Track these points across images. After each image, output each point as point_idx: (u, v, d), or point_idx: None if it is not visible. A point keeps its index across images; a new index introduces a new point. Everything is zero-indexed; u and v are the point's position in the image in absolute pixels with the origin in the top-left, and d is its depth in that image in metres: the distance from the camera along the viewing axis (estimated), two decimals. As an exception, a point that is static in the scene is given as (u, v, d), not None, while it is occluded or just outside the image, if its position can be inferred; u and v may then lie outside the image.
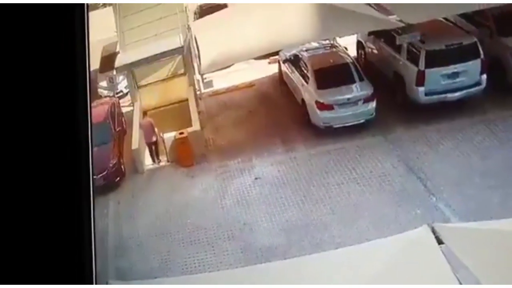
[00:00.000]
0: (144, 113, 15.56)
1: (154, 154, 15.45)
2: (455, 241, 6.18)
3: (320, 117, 15.11)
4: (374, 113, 15.08)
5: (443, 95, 14.88)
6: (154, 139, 15.37)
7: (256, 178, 14.08)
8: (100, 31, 19.92)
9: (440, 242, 6.09)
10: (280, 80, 18.51)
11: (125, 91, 20.03)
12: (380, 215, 12.06)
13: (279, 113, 16.83)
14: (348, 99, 14.99)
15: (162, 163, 15.49)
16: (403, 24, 14.56)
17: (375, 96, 15.02)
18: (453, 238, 6.28)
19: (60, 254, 2.45)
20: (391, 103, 15.75)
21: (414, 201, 12.38)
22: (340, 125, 15.07)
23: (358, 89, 15.20)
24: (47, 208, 2.40)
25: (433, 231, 6.22)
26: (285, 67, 17.72)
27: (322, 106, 15.00)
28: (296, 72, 16.65)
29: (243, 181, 14.06)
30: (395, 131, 15.01)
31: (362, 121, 15.09)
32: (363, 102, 14.98)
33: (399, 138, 14.73)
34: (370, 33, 17.27)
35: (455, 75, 14.81)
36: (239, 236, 12.23)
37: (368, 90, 15.06)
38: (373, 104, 15.00)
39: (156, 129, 15.37)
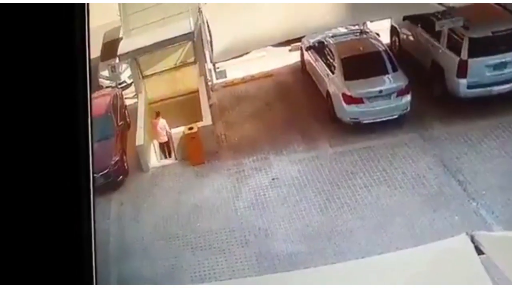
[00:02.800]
0: (157, 114, 15.65)
1: (166, 153, 15.64)
2: (497, 252, 6.14)
3: (347, 111, 15.08)
4: (408, 108, 15.02)
5: (488, 88, 14.73)
6: (166, 139, 15.56)
7: (273, 179, 14.11)
8: (102, 15, 20.01)
9: (480, 252, 6.06)
10: (302, 69, 18.51)
11: (128, 81, 20.16)
12: (413, 222, 12.02)
13: (300, 107, 16.84)
14: (380, 91, 14.95)
15: (169, 161, 15.58)
16: (443, 8, 14.45)
17: (410, 88, 14.96)
18: (495, 248, 6.25)
19: (58, 257, 2.49)
20: (428, 97, 15.68)
21: (451, 206, 12.33)
22: (370, 120, 15.04)
23: (391, 81, 15.15)
24: (44, 209, 2.44)
25: (473, 240, 6.19)
26: (308, 55, 17.71)
27: (349, 99, 14.96)
28: (320, 61, 16.63)
29: (259, 181, 14.10)
30: (432, 128, 14.96)
31: (395, 116, 15.04)
32: (397, 95, 14.92)
33: (436, 135, 14.68)
34: (405, 18, 17.17)
35: (502, 65, 14.67)
36: (253, 242, 12.27)
37: (402, 82, 15.01)
38: (407, 98, 14.94)
39: (167, 129, 15.51)
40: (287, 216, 12.80)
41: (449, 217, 12.03)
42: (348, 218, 12.47)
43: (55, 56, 2.39)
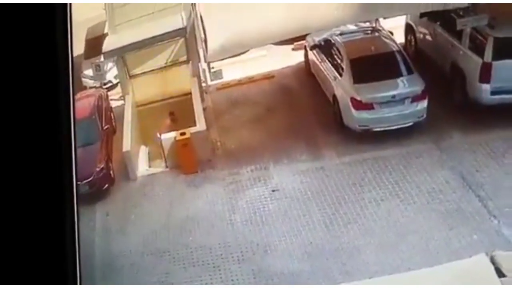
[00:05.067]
0: (171, 114, 15.76)
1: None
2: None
3: (356, 118, 15.10)
4: (424, 115, 15.04)
5: None
6: None
7: (273, 190, 14.14)
8: (86, 8, 20.10)
9: (501, 274, 6.09)
10: (307, 71, 18.57)
11: (114, 81, 20.20)
12: (427, 240, 12.05)
13: (303, 112, 16.89)
14: (393, 96, 14.97)
15: (159, 169, 15.61)
16: (466, 4, 14.44)
17: (427, 93, 14.97)
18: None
19: (40, 272, 2.51)
20: (446, 103, 15.73)
21: (470, 224, 12.35)
22: (381, 128, 15.05)
23: (405, 85, 15.20)
24: (24, 218, 2.46)
25: (493, 261, 6.22)
26: (313, 55, 17.76)
27: (359, 105, 14.97)
28: (327, 62, 16.68)
29: (258, 193, 14.13)
30: (450, 138, 15.00)
31: (409, 124, 15.05)
32: (412, 101, 14.93)
33: (455, 146, 14.71)
34: (422, 15, 17.18)
35: None
36: (251, 259, 12.31)
37: (418, 86, 15.04)
38: (423, 104, 14.95)
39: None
40: (288, 232, 12.83)
41: (467, 235, 12.04)
42: (356, 235, 12.49)
43: (35, 55, 2.41)
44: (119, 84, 19.07)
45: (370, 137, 15.12)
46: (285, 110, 17.16)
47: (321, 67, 17.05)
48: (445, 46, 16.24)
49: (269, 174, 14.71)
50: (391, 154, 14.70)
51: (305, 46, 18.53)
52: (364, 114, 15.02)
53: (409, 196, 13.34)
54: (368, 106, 14.96)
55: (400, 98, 14.96)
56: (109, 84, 20.50)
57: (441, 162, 14.28)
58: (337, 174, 14.37)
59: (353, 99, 15.04)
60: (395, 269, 10.69)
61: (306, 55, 18.62)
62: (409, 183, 13.73)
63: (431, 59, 16.97)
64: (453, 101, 15.76)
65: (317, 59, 17.35)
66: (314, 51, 17.57)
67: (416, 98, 14.94)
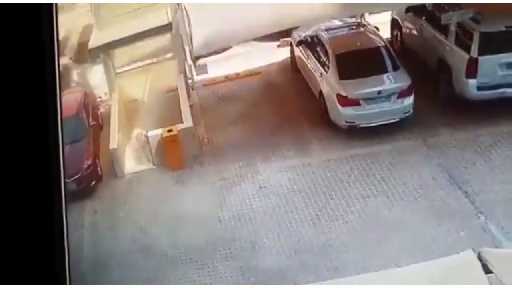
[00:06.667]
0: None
1: None
2: (507, 271, 6.19)
3: (342, 114, 15.12)
4: (411, 111, 15.09)
5: (501, 90, 14.70)
6: None
7: (261, 187, 14.14)
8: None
9: (488, 271, 6.11)
10: (293, 67, 18.57)
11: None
12: (414, 237, 12.09)
13: (290, 109, 16.90)
14: (379, 92, 15.01)
15: (146, 166, 15.57)
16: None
17: (413, 89, 15.02)
18: (505, 266, 6.30)
19: (29, 270, 2.50)
20: (433, 99, 15.78)
21: (457, 220, 12.40)
22: (367, 124, 15.09)
23: (391, 81, 15.23)
24: (11, 219, 2.45)
25: (480, 258, 6.25)
26: (298, 51, 17.76)
27: (345, 101, 15.00)
28: (312, 58, 16.68)
29: (245, 190, 14.13)
30: (437, 134, 15.05)
31: (395, 120, 15.10)
32: (398, 97, 14.97)
33: (442, 142, 14.77)
34: (408, 10, 17.20)
35: None
36: (239, 256, 12.32)
37: (404, 82, 15.08)
38: (410, 100, 15.00)
39: None
40: (276, 228, 12.84)
41: (454, 232, 12.10)
42: (343, 232, 12.52)
43: (20, 54, 2.39)
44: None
45: (357, 134, 15.17)
46: (271, 106, 17.16)
47: (307, 63, 17.05)
48: (432, 41, 16.27)
49: (256, 171, 14.70)
50: (378, 151, 14.73)
51: (290, 43, 18.52)
52: (350, 110, 15.04)
53: (396, 193, 13.38)
54: (354, 102, 14.98)
55: (386, 94, 15.00)
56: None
57: (428, 158, 14.32)
58: (324, 170, 14.39)
59: (339, 96, 15.06)
60: (381, 266, 10.71)
61: (292, 51, 18.61)
62: (396, 180, 13.76)
63: (418, 54, 17.01)
64: (440, 97, 15.81)
65: (303, 55, 17.35)
66: (300, 47, 17.56)
67: (402, 94, 14.98)
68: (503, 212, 12.38)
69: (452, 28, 15.29)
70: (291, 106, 17.02)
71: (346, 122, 15.21)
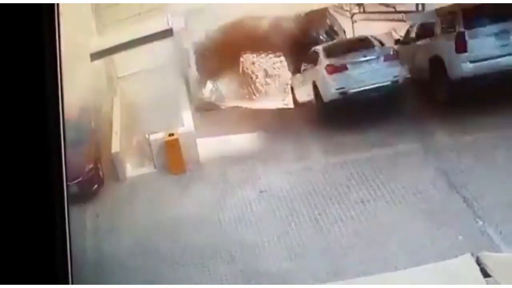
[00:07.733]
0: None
1: None
2: (505, 275, 6.18)
3: (332, 83, 15.56)
4: (399, 77, 15.50)
5: (494, 61, 14.73)
6: None
7: (261, 191, 14.12)
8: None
9: (486, 275, 6.10)
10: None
11: None
12: (412, 240, 12.05)
13: (290, 111, 16.89)
14: (364, 55, 15.60)
15: (147, 170, 15.56)
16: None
17: (398, 56, 15.71)
18: (503, 270, 6.29)
19: (32, 271, 2.50)
20: (431, 104, 15.77)
21: (455, 224, 12.36)
22: (356, 89, 15.41)
23: (377, 50, 15.87)
24: (14, 221, 2.44)
25: (478, 262, 6.24)
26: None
27: (333, 69, 15.55)
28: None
29: (246, 193, 14.13)
30: (436, 139, 15.01)
31: (385, 83, 15.42)
32: (384, 60, 15.48)
33: (440, 146, 14.73)
34: (396, 42, 17.86)
35: (505, 34, 14.72)
36: (239, 259, 12.30)
37: (389, 50, 15.84)
38: (396, 63, 15.57)
39: None
40: (276, 232, 12.82)
41: (452, 236, 12.05)
42: (342, 235, 12.50)
43: (23, 56, 2.39)
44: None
45: (356, 138, 15.15)
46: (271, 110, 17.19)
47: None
48: (423, 49, 16.43)
49: (256, 175, 14.68)
50: (377, 155, 14.71)
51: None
52: (339, 76, 15.47)
53: (395, 197, 13.34)
54: (342, 67, 15.49)
55: (372, 57, 15.60)
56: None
57: (426, 162, 14.29)
58: (323, 174, 14.38)
59: (327, 67, 15.62)
60: (380, 269, 10.64)
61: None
62: (395, 184, 13.73)
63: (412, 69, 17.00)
64: (437, 99, 15.82)
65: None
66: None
67: (388, 57, 15.62)
68: (502, 217, 12.33)
69: (438, 22, 15.76)
70: (291, 109, 17.05)
71: (337, 89, 15.53)
